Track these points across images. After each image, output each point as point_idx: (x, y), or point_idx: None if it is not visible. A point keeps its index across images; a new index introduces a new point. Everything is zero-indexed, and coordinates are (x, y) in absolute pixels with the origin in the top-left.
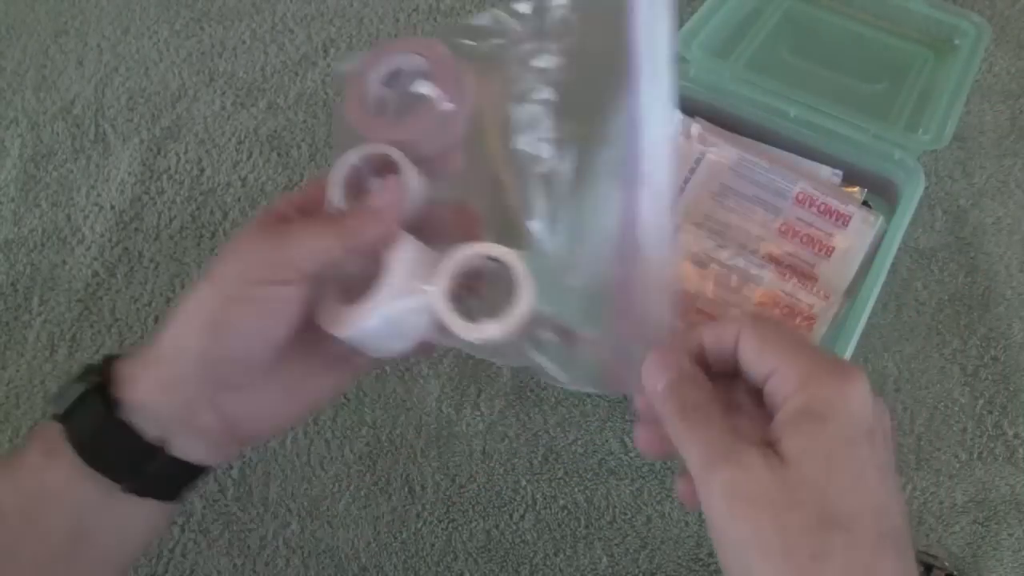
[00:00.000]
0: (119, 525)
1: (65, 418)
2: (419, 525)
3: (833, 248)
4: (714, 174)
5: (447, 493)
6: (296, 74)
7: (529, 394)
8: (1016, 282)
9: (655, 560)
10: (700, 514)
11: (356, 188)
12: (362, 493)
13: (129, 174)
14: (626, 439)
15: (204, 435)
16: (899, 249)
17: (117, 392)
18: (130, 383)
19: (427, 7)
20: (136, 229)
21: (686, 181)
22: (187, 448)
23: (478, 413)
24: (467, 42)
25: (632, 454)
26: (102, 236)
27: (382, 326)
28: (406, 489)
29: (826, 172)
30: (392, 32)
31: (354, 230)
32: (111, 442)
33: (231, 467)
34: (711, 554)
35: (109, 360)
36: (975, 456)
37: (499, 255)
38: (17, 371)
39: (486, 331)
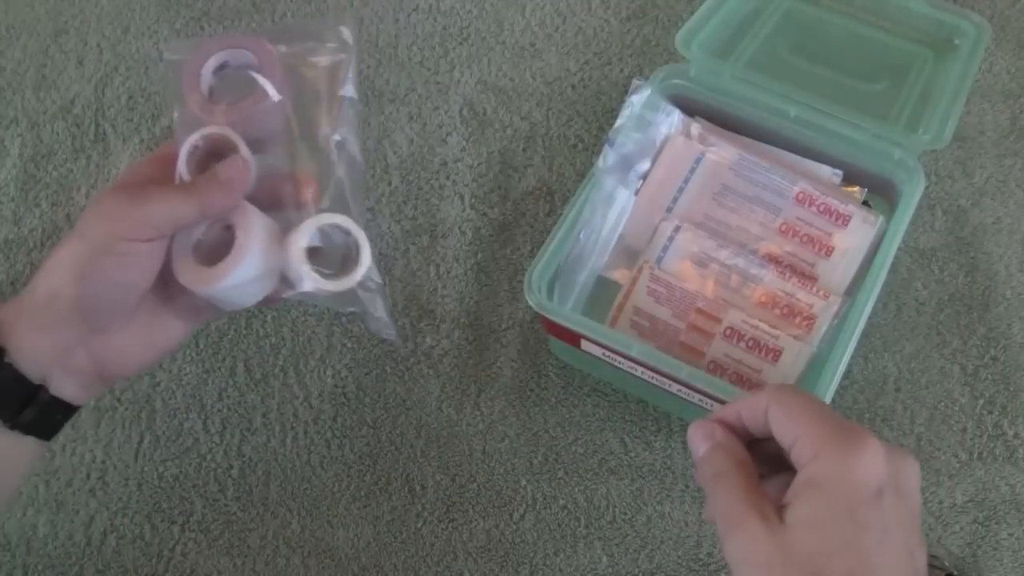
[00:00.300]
0: (2, 464)
1: None
2: (419, 525)
3: (833, 248)
4: (714, 174)
5: (447, 493)
6: None
7: (529, 394)
8: (1016, 282)
9: (655, 560)
10: (700, 514)
11: (198, 165)
12: (362, 493)
13: None
14: (626, 439)
15: (77, 375)
16: (899, 249)
17: (1, 339)
18: (9, 329)
19: (427, 7)
20: None
21: (686, 181)
22: (62, 387)
23: (478, 413)
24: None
25: (632, 454)
26: None
27: (237, 285)
28: (406, 489)
29: (826, 172)
30: (392, 32)
31: (207, 197)
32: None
33: (231, 466)
34: (711, 554)
35: None
36: (975, 456)
37: (346, 225)
38: None
39: (341, 285)
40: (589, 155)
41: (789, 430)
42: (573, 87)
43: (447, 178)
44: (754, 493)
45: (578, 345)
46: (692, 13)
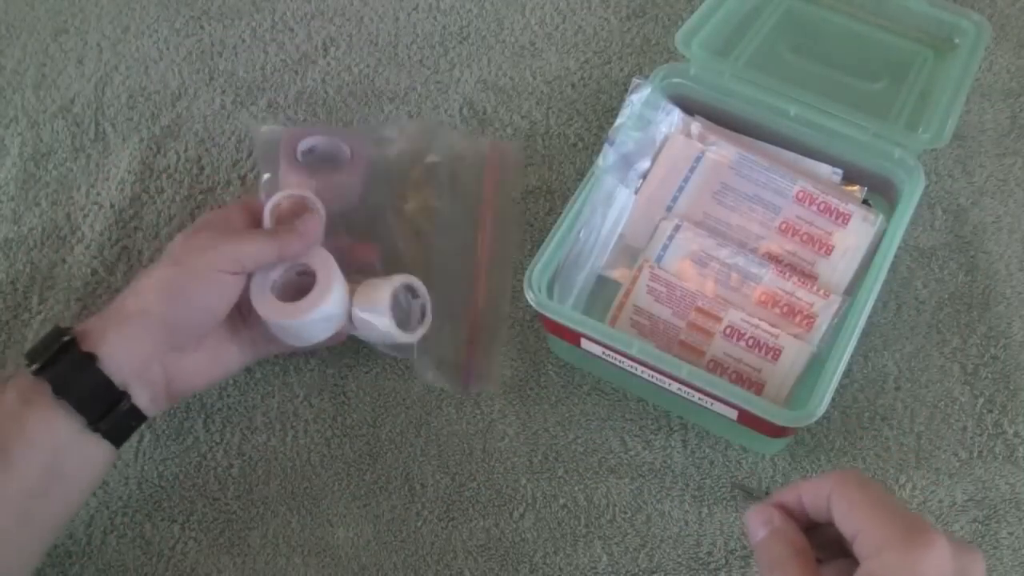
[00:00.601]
0: (84, 464)
1: (43, 369)
2: (419, 524)
3: (833, 247)
4: (714, 173)
5: (447, 492)
6: (296, 73)
7: (529, 393)
8: (1016, 281)
9: (655, 559)
10: (700, 513)
11: (279, 219)
12: (362, 491)
13: (129, 173)
14: (626, 438)
15: (151, 387)
16: (899, 248)
17: (88, 347)
18: (100, 337)
19: (427, 6)
20: (135, 228)
21: (686, 180)
22: (138, 397)
23: (478, 412)
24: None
25: (632, 453)
26: (101, 235)
27: (316, 320)
28: (406, 488)
29: (826, 171)
30: (392, 31)
31: (285, 242)
32: (89, 386)
33: (231, 465)
34: (710, 553)
35: (70, 327)
36: (975, 455)
37: (416, 286)
38: (17, 369)
39: (409, 338)
40: (589, 154)
41: (852, 521)
42: (573, 86)
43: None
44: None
45: (578, 344)
46: (692, 12)
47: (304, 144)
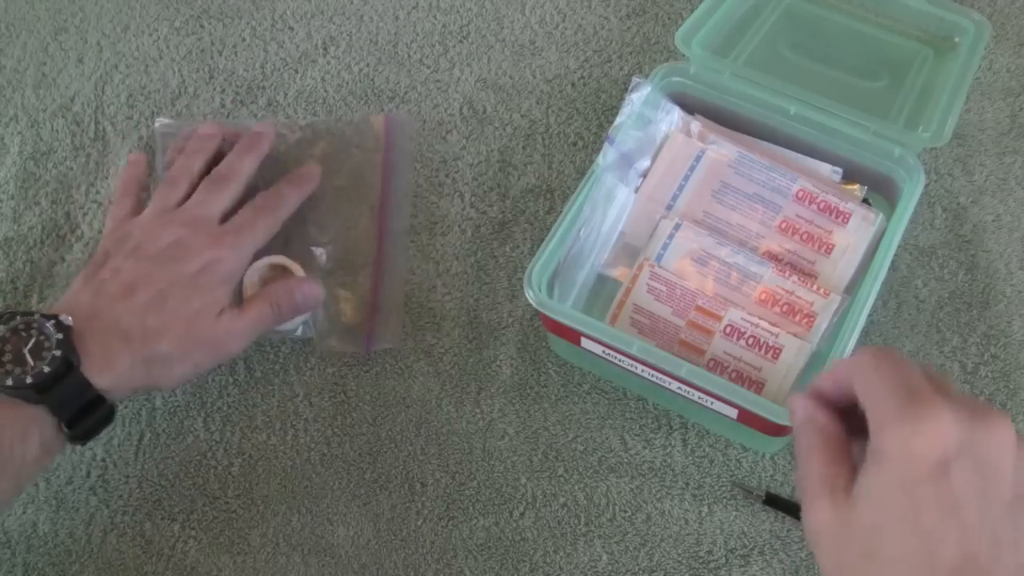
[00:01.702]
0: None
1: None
2: (419, 523)
3: (833, 245)
4: (714, 171)
5: (447, 491)
6: (296, 72)
7: (529, 391)
8: (1016, 280)
9: (655, 558)
10: (700, 512)
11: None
12: (362, 491)
13: None
14: (626, 437)
15: (131, 390)
16: (899, 246)
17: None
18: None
19: (427, 4)
20: None
21: (686, 178)
22: (100, 381)
23: (478, 411)
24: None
25: (632, 452)
26: (101, 233)
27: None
28: (406, 487)
29: (826, 170)
30: (392, 30)
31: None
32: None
33: (231, 464)
34: (711, 552)
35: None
36: None
37: (288, 264)
38: None
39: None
40: (589, 153)
41: (863, 398)
42: (573, 85)
43: (446, 176)
44: (832, 468)
45: (578, 343)
46: (692, 11)
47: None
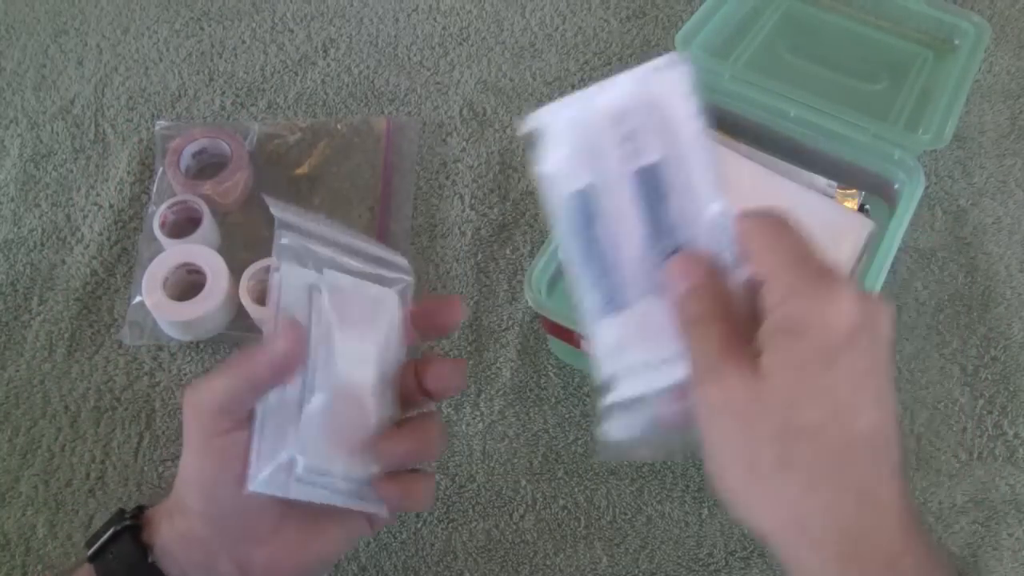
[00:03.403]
0: None
1: (96, 556)
2: (419, 525)
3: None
4: None
5: (447, 493)
6: (296, 74)
7: (529, 394)
8: (1016, 282)
9: (655, 560)
10: (700, 514)
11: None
12: None
13: (128, 174)
14: None
15: None
16: (899, 249)
17: (148, 537)
18: (156, 530)
19: (427, 7)
20: (135, 229)
21: None
22: None
23: (478, 413)
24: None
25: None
26: (101, 235)
27: (202, 319)
28: None
29: (821, 183)
30: (392, 32)
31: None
32: None
33: None
34: (711, 554)
35: (143, 508)
36: (975, 456)
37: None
38: (16, 371)
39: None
40: None
41: (759, 268)
42: (573, 87)
43: (447, 178)
44: (732, 339)
45: (578, 345)
46: (692, 13)
47: (193, 147)
